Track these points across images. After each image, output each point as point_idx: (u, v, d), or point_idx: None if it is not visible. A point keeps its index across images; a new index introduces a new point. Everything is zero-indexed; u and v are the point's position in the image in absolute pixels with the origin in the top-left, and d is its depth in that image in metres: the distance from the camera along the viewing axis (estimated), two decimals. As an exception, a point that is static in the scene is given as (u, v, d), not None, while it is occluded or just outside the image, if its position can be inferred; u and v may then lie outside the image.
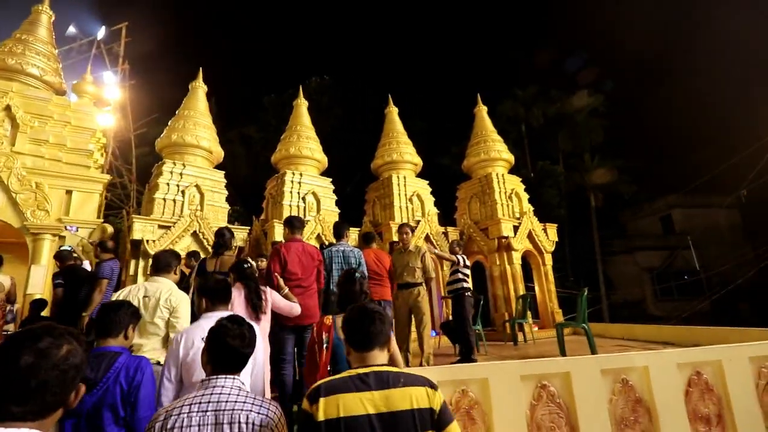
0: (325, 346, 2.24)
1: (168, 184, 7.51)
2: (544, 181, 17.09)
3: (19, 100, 6.89)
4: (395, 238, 8.40)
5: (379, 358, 1.54)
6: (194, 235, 7.26)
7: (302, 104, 9.95)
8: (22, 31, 7.56)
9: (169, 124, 8.32)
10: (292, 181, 8.52)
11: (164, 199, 7.37)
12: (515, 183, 10.26)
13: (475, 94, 11.44)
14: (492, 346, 7.19)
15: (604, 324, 8.15)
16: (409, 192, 9.48)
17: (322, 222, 8.20)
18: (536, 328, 8.77)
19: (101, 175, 7.28)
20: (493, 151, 10.21)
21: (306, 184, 8.67)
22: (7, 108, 6.75)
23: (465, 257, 5.77)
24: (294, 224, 4.18)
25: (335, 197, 9.14)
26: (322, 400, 1.36)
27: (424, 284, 4.74)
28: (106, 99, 11.53)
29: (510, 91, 20.53)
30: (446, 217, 11.06)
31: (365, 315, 1.58)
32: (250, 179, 17.30)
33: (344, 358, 1.90)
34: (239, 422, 1.37)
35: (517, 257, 9.07)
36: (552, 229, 10.08)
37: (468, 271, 5.65)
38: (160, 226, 6.98)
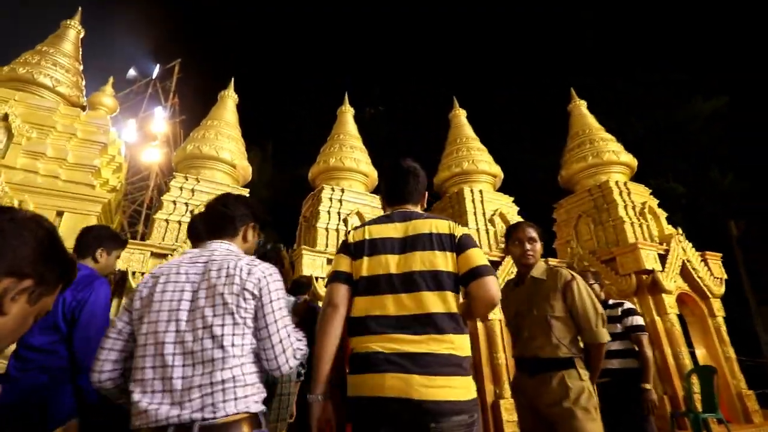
0: None
1: (174, 202, 5.93)
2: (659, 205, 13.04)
3: (20, 110, 5.96)
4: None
5: (411, 209, 1.57)
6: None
7: (347, 111, 8.25)
8: (45, 43, 6.97)
9: (190, 135, 7.00)
10: (330, 198, 6.51)
11: (167, 221, 5.74)
12: (644, 194, 7.17)
13: (556, 98, 8.89)
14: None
15: None
16: (488, 210, 6.91)
17: (369, 250, 5.94)
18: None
19: (98, 192, 5.92)
20: (605, 153, 7.34)
21: (348, 202, 6.59)
22: (5, 117, 5.80)
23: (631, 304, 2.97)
24: None
25: (388, 220, 6.90)
26: (352, 231, 1.51)
27: (576, 361, 1.92)
28: (153, 133, 11.02)
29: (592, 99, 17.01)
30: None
31: (399, 174, 1.59)
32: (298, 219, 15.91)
33: None
34: (227, 267, 1.27)
35: (671, 303, 5.78)
36: (715, 262, 6.65)
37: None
38: (153, 254, 5.26)
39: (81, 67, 7.41)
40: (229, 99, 7.58)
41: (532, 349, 1.97)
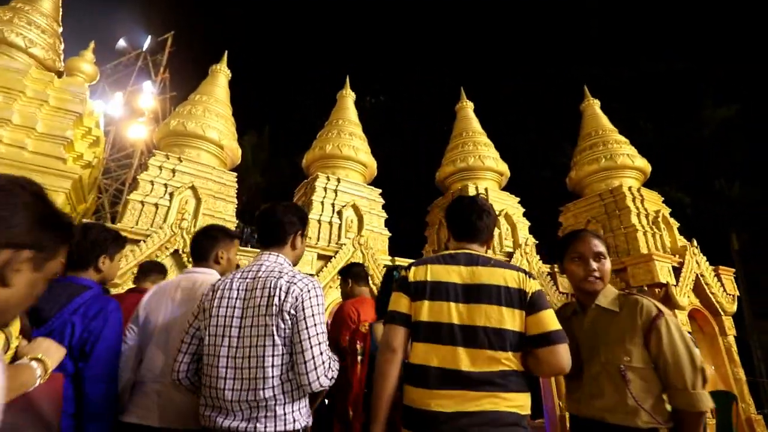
0: (359, 358, 2.15)
1: (152, 182, 5.41)
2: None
3: (-15, 70, 5.36)
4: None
5: (477, 251, 1.46)
6: (175, 254, 4.95)
7: (348, 96, 7.73)
8: (21, 0, 6.32)
9: (176, 110, 6.46)
10: (325, 188, 6.02)
11: (142, 203, 5.23)
12: (657, 202, 6.77)
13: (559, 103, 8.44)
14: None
15: None
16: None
17: (364, 246, 5.49)
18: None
19: (70, 167, 5.38)
20: (619, 156, 6.92)
21: (344, 193, 6.11)
22: (-34, 77, 5.22)
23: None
24: (359, 274, 2.93)
25: (385, 215, 6.45)
26: (413, 268, 1.42)
27: None
28: (141, 109, 10.41)
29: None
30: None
31: (471, 207, 1.49)
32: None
33: None
34: (270, 287, 1.36)
35: (683, 320, 5.40)
36: (728, 277, 6.30)
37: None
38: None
39: (60, 30, 6.79)
40: (221, 74, 7.02)
41: (597, 410, 1.42)
